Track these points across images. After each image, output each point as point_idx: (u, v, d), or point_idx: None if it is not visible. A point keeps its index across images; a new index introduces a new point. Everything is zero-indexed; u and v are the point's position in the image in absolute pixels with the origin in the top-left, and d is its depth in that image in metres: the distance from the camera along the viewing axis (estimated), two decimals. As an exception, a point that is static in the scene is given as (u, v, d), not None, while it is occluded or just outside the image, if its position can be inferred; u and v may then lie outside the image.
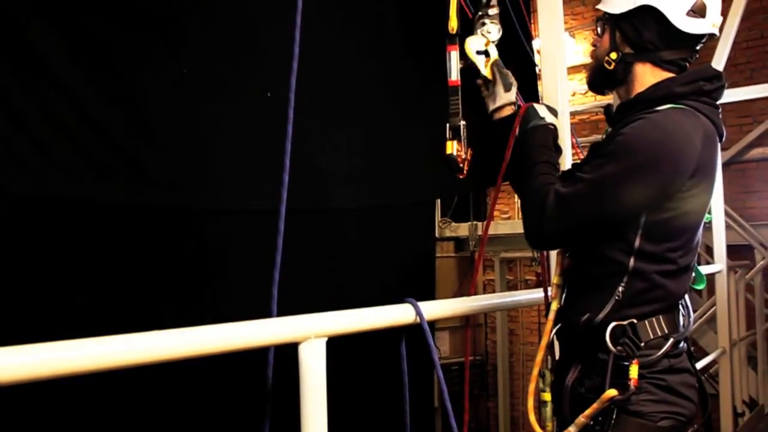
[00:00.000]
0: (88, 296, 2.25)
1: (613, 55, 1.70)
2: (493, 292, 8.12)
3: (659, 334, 1.58)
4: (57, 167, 2.10)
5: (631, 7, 1.65)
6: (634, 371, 1.53)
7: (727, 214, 4.85)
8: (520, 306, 6.22)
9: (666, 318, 1.60)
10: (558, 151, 1.81)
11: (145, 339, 1.15)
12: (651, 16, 1.63)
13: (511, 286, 8.78)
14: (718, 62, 4.23)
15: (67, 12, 2.11)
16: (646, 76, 1.68)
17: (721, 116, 1.67)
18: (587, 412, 1.55)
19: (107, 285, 2.30)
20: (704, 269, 4.74)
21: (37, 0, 2.05)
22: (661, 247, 1.57)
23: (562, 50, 2.63)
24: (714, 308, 4.96)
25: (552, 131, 1.80)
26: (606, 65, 1.72)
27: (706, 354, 4.63)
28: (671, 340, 1.58)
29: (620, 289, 1.58)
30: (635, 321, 1.57)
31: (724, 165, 4.77)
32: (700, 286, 1.82)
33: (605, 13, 1.74)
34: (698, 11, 1.62)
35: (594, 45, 1.81)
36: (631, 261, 1.57)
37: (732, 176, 6.59)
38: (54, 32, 2.07)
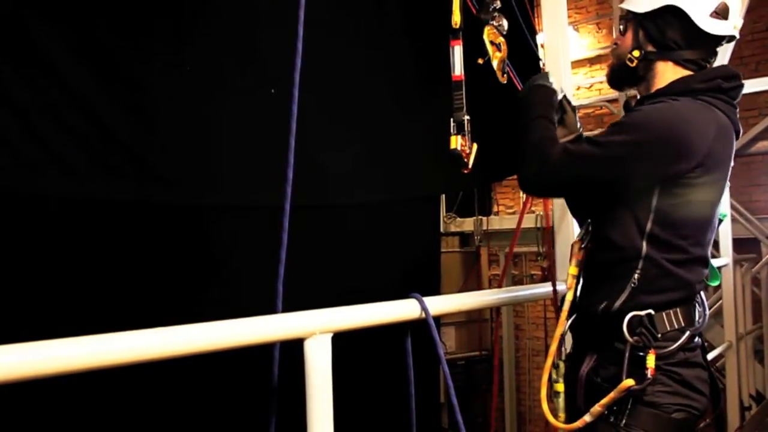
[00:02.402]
0: (92, 294, 2.25)
1: (636, 53, 1.75)
2: (499, 287, 8.12)
3: (675, 326, 1.61)
4: (60, 165, 2.10)
5: (657, 6, 1.69)
6: (651, 361, 1.55)
7: (732, 207, 4.84)
8: (525, 301, 6.23)
9: (683, 311, 1.63)
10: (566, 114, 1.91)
11: (151, 336, 1.16)
12: (675, 16, 1.68)
13: (517, 281, 8.78)
14: (723, 55, 4.21)
15: (71, 11, 2.11)
16: (667, 73, 1.72)
17: (738, 115, 1.71)
18: (603, 401, 1.57)
19: (111, 282, 2.31)
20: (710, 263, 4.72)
21: (41, 0, 2.06)
22: (670, 233, 1.60)
23: (565, 44, 2.63)
24: (720, 302, 4.96)
25: (555, 93, 1.84)
26: (628, 62, 1.76)
27: (713, 347, 4.62)
28: (687, 333, 1.61)
29: (635, 276, 1.61)
30: (653, 312, 1.60)
31: (730, 158, 4.74)
32: (715, 282, 1.85)
33: (629, 12, 1.77)
34: (721, 13, 1.67)
35: (615, 43, 1.85)
36: (644, 246, 1.60)
37: (737, 169, 6.46)
38: (57, 31, 2.08)
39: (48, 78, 2.06)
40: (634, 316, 1.59)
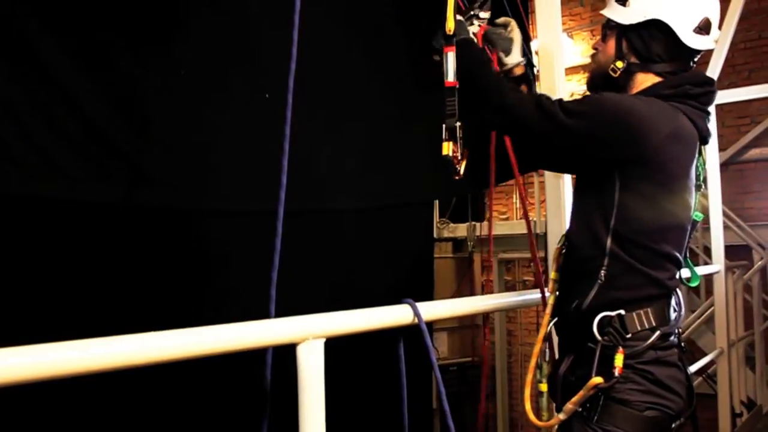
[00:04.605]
0: (85, 297, 2.24)
1: (619, 64, 1.76)
2: (492, 292, 8.12)
3: (646, 326, 1.63)
4: (53, 168, 2.10)
5: (641, 19, 1.71)
6: (618, 360, 1.59)
7: (724, 214, 4.86)
8: (518, 307, 6.22)
9: (654, 310, 1.65)
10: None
11: (143, 340, 1.15)
12: (660, 30, 1.70)
13: (510, 287, 8.79)
14: (716, 63, 4.24)
15: (66, 12, 2.11)
16: (646, 82, 1.75)
17: (709, 121, 1.75)
18: (575, 398, 1.62)
19: (105, 286, 2.30)
20: (702, 270, 4.74)
21: (36, 0, 2.05)
22: (632, 231, 1.64)
23: (560, 51, 2.63)
24: (712, 309, 4.97)
25: (477, 46, 1.83)
26: (611, 72, 1.77)
27: (705, 354, 4.63)
28: (658, 332, 1.63)
29: (602, 272, 1.65)
30: (623, 312, 1.63)
31: (722, 165, 4.78)
32: (695, 283, 1.87)
33: (611, 20, 1.78)
34: (704, 28, 1.69)
35: (595, 48, 1.86)
36: (608, 242, 1.64)
37: (730, 177, 6.60)
38: (52, 32, 2.07)
39: (43, 81, 2.05)
40: (604, 317, 1.63)
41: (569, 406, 1.63)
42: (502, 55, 1.95)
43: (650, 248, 1.65)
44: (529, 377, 1.85)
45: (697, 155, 1.73)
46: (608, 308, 1.64)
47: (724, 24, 4.29)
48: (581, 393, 1.60)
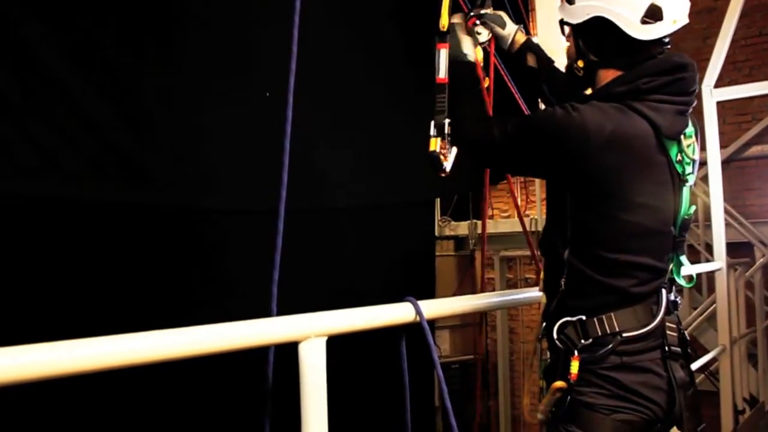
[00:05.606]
0: (86, 296, 2.25)
1: (580, 63, 1.73)
2: (493, 290, 8.11)
3: (608, 331, 1.60)
4: (56, 167, 2.10)
5: (585, 18, 1.66)
6: (574, 366, 1.59)
7: (726, 211, 4.85)
8: (520, 304, 6.21)
9: (618, 315, 1.61)
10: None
11: (145, 339, 1.15)
12: (606, 27, 1.62)
13: (511, 285, 8.77)
14: (717, 60, 4.23)
15: (65, 13, 2.11)
16: (607, 78, 1.68)
17: (686, 110, 1.64)
18: (543, 400, 1.66)
19: (106, 285, 2.30)
20: (704, 267, 4.74)
21: (35, 1, 2.05)
22: (587, 243, 1.62)
23: (560, 49, 2.63)
24: (714, 306, 4.96)
25: (471, 68, 1.84)
26: (576, 72, 1.76)
27: (707, 351, 4.63)
28: (618, 337, 1.58)
29: (563, 281, 1.65)
30: (584, 318, 1.61)
31: (724, 162, 4.77)
32: (690, 284, 1.86)
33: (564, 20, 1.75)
34: (653, 16, 1.58)
35: (568, 40, 1.82)
36: (566, 253, 1.64)
37: (731, 174, 6.58)
38: (52, 33, 2.07)
39: (43, 83, 2.05)
40: (564, 322, 1.64)
41: (540, 407, 1.66)
42: (499, 29, 1.97)
43: (608, 259, 1.60)
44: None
45: (672, 150, 1.62)
46: (569, 314, 1.63)
47: (725, 21, 4.28)
48: (547, 396, 1.63)
